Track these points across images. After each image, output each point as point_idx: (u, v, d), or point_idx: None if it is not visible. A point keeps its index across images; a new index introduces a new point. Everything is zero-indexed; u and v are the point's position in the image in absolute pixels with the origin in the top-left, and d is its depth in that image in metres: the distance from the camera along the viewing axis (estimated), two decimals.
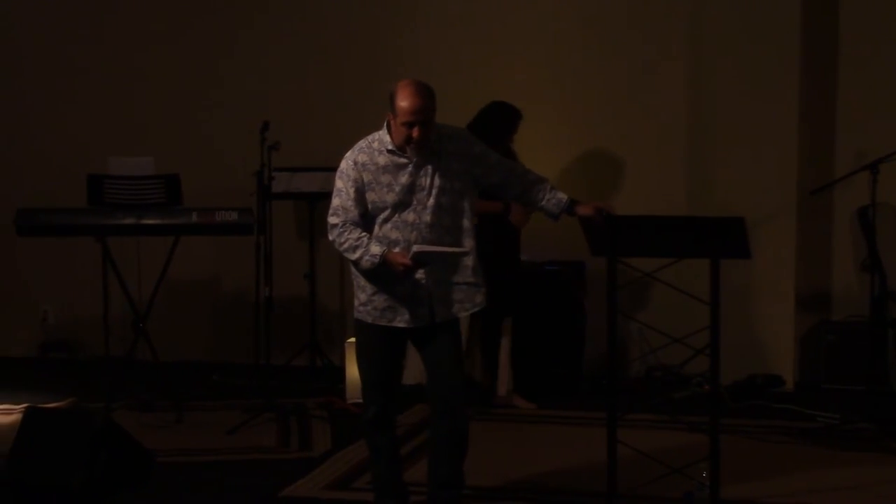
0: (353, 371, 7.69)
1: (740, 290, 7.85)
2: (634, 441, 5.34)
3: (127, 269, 7.79)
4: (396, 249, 4.90)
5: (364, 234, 4.95)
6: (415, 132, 4.85)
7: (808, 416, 7.15)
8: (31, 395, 7.64)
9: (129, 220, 7.26)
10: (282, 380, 7.74)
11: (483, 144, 5.16)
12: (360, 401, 7.55)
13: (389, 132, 4.97)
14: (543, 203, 5.10)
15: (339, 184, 5.03)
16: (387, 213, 4.95)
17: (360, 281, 5.08)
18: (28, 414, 5.86)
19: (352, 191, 4.97)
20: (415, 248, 4.83)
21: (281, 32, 8.98)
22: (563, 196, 5.09)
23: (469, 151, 5.05)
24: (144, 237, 7.61)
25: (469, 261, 5.06)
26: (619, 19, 8.41)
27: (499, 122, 7.33)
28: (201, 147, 8.99)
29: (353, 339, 7.84)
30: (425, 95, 4.88)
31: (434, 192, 4.93)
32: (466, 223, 5.04)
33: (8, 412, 7.37)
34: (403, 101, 4.85)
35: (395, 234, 4.94)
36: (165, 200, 7.44)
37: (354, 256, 4.95)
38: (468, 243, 5.03)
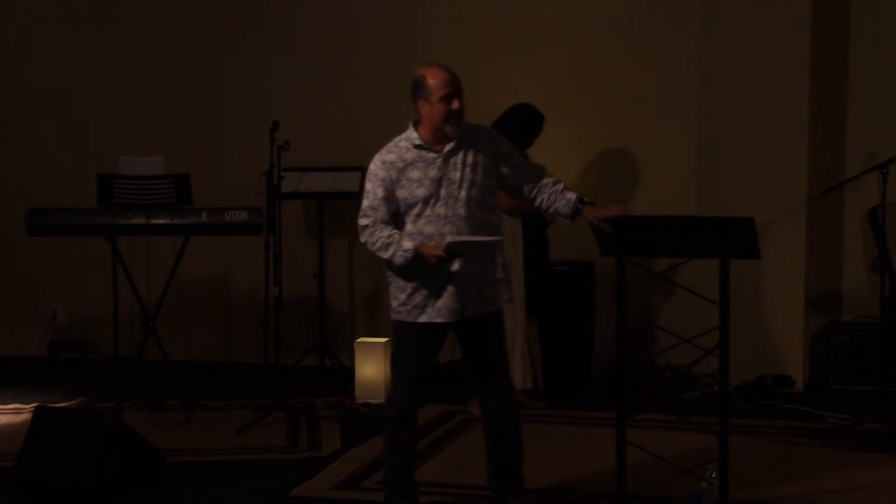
0: (362, 371, 7.71)
1: (750, 291, 7.84)
2: (643, 441, 5.32)
3: (136, 269, 7.80)
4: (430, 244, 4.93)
5: (395, 231, 4.98)
6: (454, 104, 4.93)
7: (817, 416, 7.14)
8: (40, 395, 7.67)
9: (139, 220, 7.27)
10: (291, 379, 7.75)
11: (508, 143, 5.19)
12: (369, 401, 7.61)
13: (416, 128, 5.03)
14: (557, 205, 5.09)
15: (367, 185, 5.07)
16: (418, 207, 4.97)
17: (397, 282, 5.08)
18: (38, 413, 5.88)
19: (380, 191, 5.01)
20: (448, 239, 4.85)
21: (291, 32, 8.99)
22: (571, 196, 5.08)
23: (495, 149, 5.09)
24: (154, 237, 7.62)
25: (499, 257, 5.09)
26: (630, 20, 8.41)
27: (524, 124, 7.34)
28: (211, 147, 9.00)
29: (362, 340, 7.93)
30: (453, 71, 5.02)
31: (465, 185, 4.97)
32: (495, 219, 5.09)
33: (18, 412, 7.38)
34: (435, 78, 4.95)
35: (429, 229, 4.96)
36: (175, 200, 7.45)
37: (387, 254, 4.97)
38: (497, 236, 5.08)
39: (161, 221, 7.30)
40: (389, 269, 5.09)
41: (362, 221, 5.05)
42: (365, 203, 5.06)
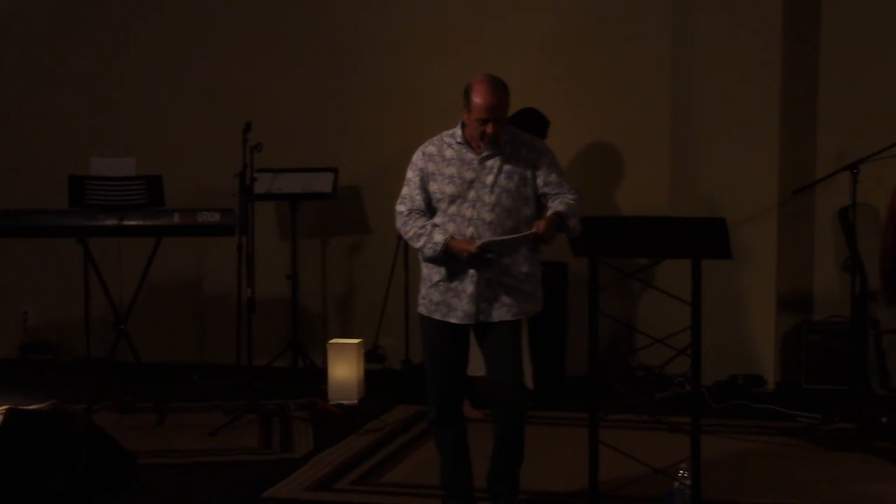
0: (335, 372, 7.70)
1: (722, 291, 7.86)
2: (616, 442, 5.34)
3: (108, 271, 7.78)
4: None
5: (429, 222, 5.04)
6: (488, 128, 4.96)
7: (789, 415, 7.17)
8: (11, 397, 7.61)
9: (111, 222, 7.25)
10: (264, 381, 7.74)
11: (552, 159, 5.18)
12: (342, 402, 7.62)
13: (462, 128, 5.08)
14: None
15: (408, 173, 5.15)
16: (444, 204, 5.03)
17: (423, 272, 5.15)
18: (8, 416, 5.84)
19: (417, 180, 5.09)
20: (479, 242, 4.90)
21: (263, 33, 8.97)
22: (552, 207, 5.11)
23: (538, 162, 5.09)
24: (126, 238, 7.58)
25: (525, 267, 5.09)
26: (602, 24, 8.42)
27: (529, 129, 7.31)
28: (183, 148, 8.97)
29: (334, 341, 7.92)
30: (500, 93, 5.00)
31: (496, 190, 5.00)
32: (525, 229, 5.04)
33: None
34: (478, 98, 4.96)
35: (451, 227, 5.00)
36: (147, 201, 7.42)
37: (418, 245, 5.04)
38: (524, 250, 5.07)
39: (133, 223, 7.28)
40: (421, 257, 5.16)
41: (398, 208, 5.14)
42: (404, 191, 5.15)
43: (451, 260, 4.98)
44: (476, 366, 6.37)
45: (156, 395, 7.37)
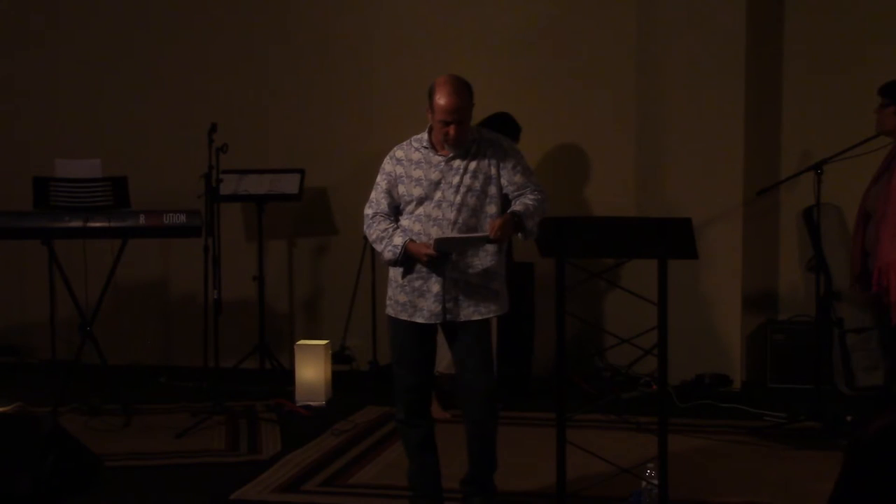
0: (302, 373, 7.69)
1: (688, 291, 7.89)
2: (583, 442, 5.35)
3: (74, 273, 7.73)
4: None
5: (391, 225, 5.10)
6: (451, 130, 4.98)
7: (755, 415, 7.20)
8: None
9: (76, 223, 7.21)
10: (231, 382, 7.72)
11: (519, 159, 5.19)
12: (310, 403, 7.61)
13: (429, 131, 5.12)
14: None
15: (378, 177, 5.21)
16: (411, 206, 5.07)
17: (390, 274, 5.19)
18: None
19: (384, 184, 5.15)
20: (435, 237, 4.93)
21: (229, 34, 8.94)
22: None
23: (503, 161, 5.11)
24: (91, 240, 7.54)
25: (492, 265, 5.11)
26: (567, 25, 8.44)
27: (503, 134, 7.31)
28: (149, 149, 8.93)
29: (302, 342, 7.90)
30: (462, 93, 5.01)
31: (462, 190, 5.03)
32: (485, 227, 5.06)
33: None
34: (440, 100, 4.98)
35: (416, 227, 5.05)
36: (113, 203, 7.39)
37: (379, 248, 5.11)
38: (490, 249, 5.08)
39: (98, 224, 7.25)
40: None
41: (366, 211, 5.20)
42: (372, 194, 5.21)
43: (415, 261, 5.03)
44: (444, 363, 6.40)
45: (122, 397, 7.33)
